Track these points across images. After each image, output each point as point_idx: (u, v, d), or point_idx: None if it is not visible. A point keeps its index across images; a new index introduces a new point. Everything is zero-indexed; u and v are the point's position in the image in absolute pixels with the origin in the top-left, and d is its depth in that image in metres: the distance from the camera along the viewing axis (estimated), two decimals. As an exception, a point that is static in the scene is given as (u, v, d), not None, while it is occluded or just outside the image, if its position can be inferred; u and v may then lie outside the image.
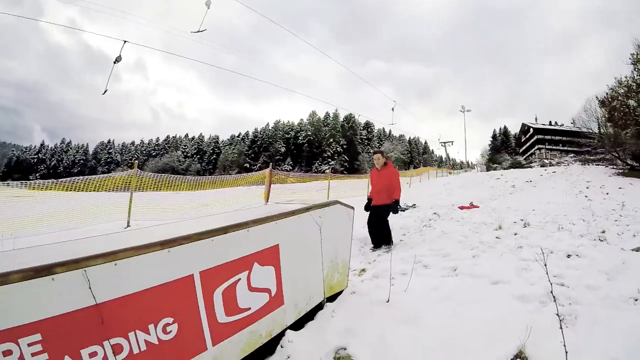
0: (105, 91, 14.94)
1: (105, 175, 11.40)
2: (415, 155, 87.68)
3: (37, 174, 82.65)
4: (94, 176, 11.19)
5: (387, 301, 3.44)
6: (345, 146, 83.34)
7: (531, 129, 67.05)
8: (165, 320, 1.92)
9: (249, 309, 2.42)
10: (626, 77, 22.74)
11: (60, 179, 11.30)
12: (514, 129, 78.99)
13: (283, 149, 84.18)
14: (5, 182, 14.78)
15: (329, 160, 78.91)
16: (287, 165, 79.34)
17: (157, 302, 1.91)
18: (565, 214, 8.95)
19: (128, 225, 9.15)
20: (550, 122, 68.00)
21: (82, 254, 1.66)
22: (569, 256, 4.71)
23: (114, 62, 14.33)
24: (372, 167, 6.56)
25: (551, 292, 2.65)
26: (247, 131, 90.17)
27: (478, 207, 11.59)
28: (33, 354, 1.49)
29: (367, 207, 6.39)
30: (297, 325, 2.92)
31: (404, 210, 11.24)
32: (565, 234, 6.36)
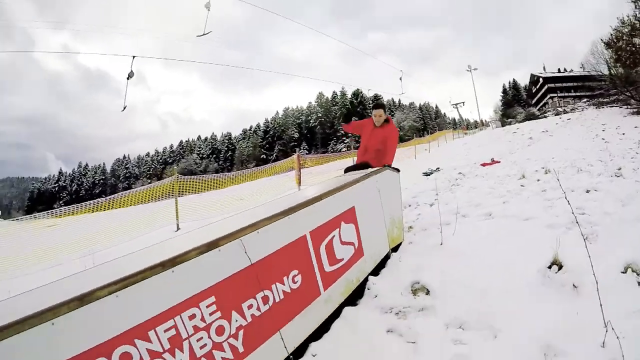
0: (124, 108, 15.58)
1: (150, 185, 12.21)
2: (428, 121, 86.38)
3: (60, 202, 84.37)
4: (139, 188, 11.99)
5: (441, 244, 4.18)
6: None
7: (541, 79, 66.05)
8: (293, 272, 2.61)
9: (343, 259, 3.13)
10: (628, 17, 22.73)
11: (107, 197, 12.09)
12: (524, 81, 77.19)
13: (296, 135, 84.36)
14: (45, 211, 15.59)
15: (344, 138, 78.75)
16: (304, 149, 78.73)
17: (286, 259, 2.60)
18: (584, 158, 9.50)
19: (178, 229, 9.69)
20: (559, 69, 66.56)
21: (170, 254, 2.00)
22: (588, 191, 5.45)
23: (127, 78, 14.95)
24: (368, 122, 5.08)
25: (574, 218, 3.32)
26: (258, 123, 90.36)
27: (499, 162, 12.13)
28: (210, 314, 2.02)
29: (348, 170, 5.21)
30: (374, 272, 3.62)
31: (429, 175, 11.90)
32: (584, 175, 7.02)
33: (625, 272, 2.78)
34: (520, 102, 72.89)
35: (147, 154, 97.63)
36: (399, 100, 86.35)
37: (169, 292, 1.87)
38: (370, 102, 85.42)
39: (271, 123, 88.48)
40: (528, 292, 2.88)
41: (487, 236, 4.31)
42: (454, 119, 79.98)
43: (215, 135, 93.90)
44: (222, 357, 2.01)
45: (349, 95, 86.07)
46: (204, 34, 14.34)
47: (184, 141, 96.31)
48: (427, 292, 3.18)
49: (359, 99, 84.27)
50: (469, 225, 4.95)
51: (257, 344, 2.22)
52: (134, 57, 14.66)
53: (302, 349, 2.55)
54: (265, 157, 79.24)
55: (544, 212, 4.81)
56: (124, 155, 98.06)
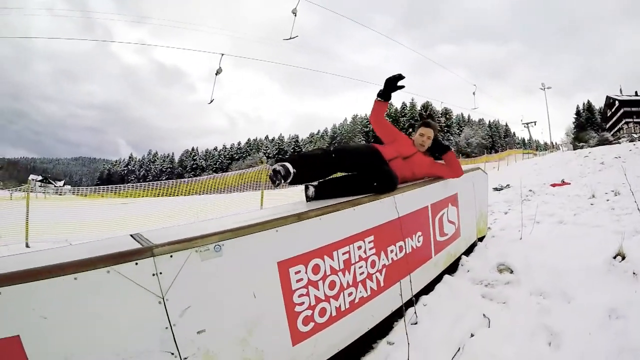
0: (211, 101, 16.67)
1: (240, 171, 13.29)
2: (497, 139, 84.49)
3: (128, 185, 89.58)
4: (228, 173, 13.11)
5: (520, 239, 4.69)
6: None
7: (617, 102, 62.40)
8: (418, 233, 3.21)
9: (447, 234, 3.70)
10: None
11: (195, 178, 13.27)
12: (599, 103, 73.45)
13: (362, 142, 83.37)
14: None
15: None
16: None
17: (416, 221, 3.21)
18: (658, 184, 9.51)
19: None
20: (636, 92, 62.65)
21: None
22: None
23: (216, 74, 16.01)
24: (405, 139, 3.67)
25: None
26: (326, 128, 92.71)
27: (569, 183, 12.12)
28: (369, 249, 2.63)
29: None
30: (465, 253, 4.16)
31: (500, 190, 12.19)
32: (655, 197, 7.21)
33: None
34: (593, 126, 69.37)
35: (215, 149, 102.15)
36: (469, 116, 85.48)
37: (350, 224, 2.51)
38: (440, 115, 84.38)
39: (339, 129, 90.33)
40: (595, 274, 3.31)
41: (560, 235, 4.83)
42: (524, 139, 77.45)
43: (283, 137, 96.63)
44: (370, 286, 2.63)
45: (418, 107, 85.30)
46: (290, 38, 14.90)
47: (251, 139, 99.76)
48: (511, 272, 3.67)
49: (427, 112, 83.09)
50: (543, 228, 5.42)
51: (392, 283, 2.82)
52: (222, 54, 15.69)
53: (417, 296, 3.15)
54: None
55: (612, 223, 5.18)
56: (193, 148, 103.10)
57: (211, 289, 1.78)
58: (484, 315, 2.95)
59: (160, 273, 1.61)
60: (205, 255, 1.74)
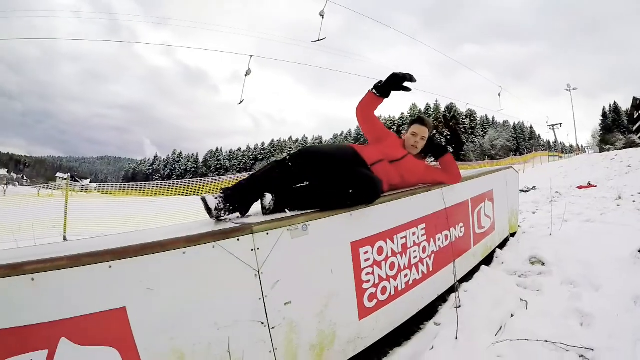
0: (241, 101, 16.99)
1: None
2: (522, 142, 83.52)
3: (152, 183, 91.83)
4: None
5: (550, 235, 4.91)
6: (449, 137, 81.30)
7: (644, 103, 61.22)
8: (460, 224, 3.44)
9: (484, 227, 3.91)
10: None
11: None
12: (626, 105, 71.28)
13: None
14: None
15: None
16: None
17: (459, 212, 3.44)
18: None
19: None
20: (665, 92, 61.35)
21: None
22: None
23: (245, 75, 16.28)
24: (394, 139, 3.20)
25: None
26: (350, 129, 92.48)
27: (596, 186, 12.18)
28: (422, 235, 2.86)
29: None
30: (499, 247, 4.39)
31: (526, 192, 12.30)
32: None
33: None
34: (620, 128, 67.86)
35: (239, 149, 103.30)
36: (493, 117, 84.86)
37: (407, 211, 2.76)
38: (464, 117, 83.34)
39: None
40: (622, 266, 3.51)
41: (588, 232, 5.03)
42: (549, 142, 75.84)
43: (307, 138, 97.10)
44: (421, 270, 2.87)
45: (442, 108, 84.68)
46: (318, 40, 14.96)
47: (275, 140, 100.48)
48: (543, 264, 3.89)
49: (452, 113, 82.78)
50: (572, 226, 5.62)
51: (439, 268, 3.07)
52: (251, 56, 15.98)
53: (459, 283, 3.41)
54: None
55: (638, 223, 5.40)
56: (217, 148, 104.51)
57: (298, 264, 2.04)
58: (520, 299, 3.17)
59: (258, 249, 1.87)
60: (295, 234, 2.01)
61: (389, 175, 2.86)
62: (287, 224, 2.00)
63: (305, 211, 2.25)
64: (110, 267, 1.52)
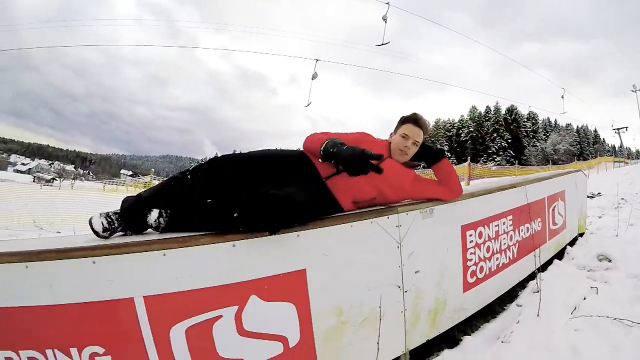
0: (308, 104, 17.36)
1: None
2: (585, 146, 79.82)
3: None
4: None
5: (616, 236, 5.20)
6: (509, 140, 78.33)
7: None
8: (539, 218, 3.83)
9: (557, 224, 4.27)
10: None
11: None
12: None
13: (446, 148, 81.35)
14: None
15: (494, 156, 74.57)
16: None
17: (537, 209, 3.83)
18: None
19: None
20: None
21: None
22: None
23: (312, 79, 16.62)
24: (378, 145, 2.58)
25: None
26: None
27: (663, 193, 12.07)
28: (509, 225, 3.29)
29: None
30: (569, 244, 4.73)
31: (592, 197, 12.34)
32: None
33: None
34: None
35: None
36: (555, 120, 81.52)
37: (499, 203, 3.21)
38: (525, 119, 79.25)
39: None
40: None
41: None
42: (614, 146, 72.32)
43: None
44: (508, 256, 3.31)
45: (502, 111, 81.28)
46: (382, 44, 15.21)
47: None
48: (609, 260, 4.19)
49: (513, 116, 79.46)
50: (638, 228, 5.83)
51: (521, 256, 3.49)
52: (317, 60, 16.44)
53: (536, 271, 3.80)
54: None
55: None
56: (275, 148, 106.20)
57: (425, 240, 2.53)
58: (591, 287, 3.54)
59: (400, 225, 2.37)
60: (425, 215, 2.51)
61: (356, 188, 2.31)
62: (419, 207, 2.51)
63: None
64: (298, 236, 1.98)
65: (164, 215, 2.04)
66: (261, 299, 1.89)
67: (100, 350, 1.74)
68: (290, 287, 1.98)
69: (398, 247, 2.37)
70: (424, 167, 2.84)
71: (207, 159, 2.29)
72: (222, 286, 1.82)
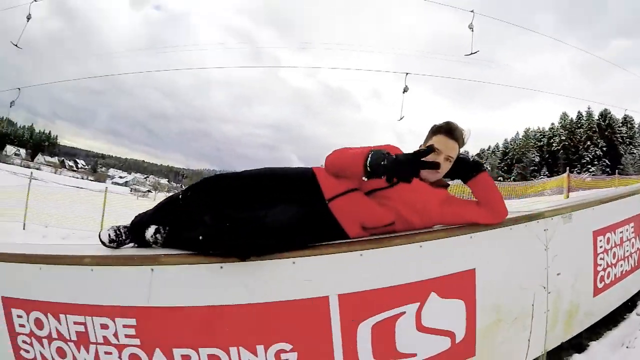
0: (401, 117, 17.45)
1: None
2: None
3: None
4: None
5: None
6: (604, 148, 70.55)
7: None
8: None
9: None
10: None
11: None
12: None
13: (537, 159, 77.09)
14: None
15: (589, 166, 67.55)
16: (543, 175, 63.51)
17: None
18: None
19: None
20: None
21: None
22: None
23: (403, 92, 16.92)
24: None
25: None
26: (497, 143, 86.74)
27: None
28: (631, 232, 3.21)
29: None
30: None
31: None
32: None
33: None
34: None
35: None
36: None
37: (621, 211, 3.22)
38: (620, 124, 71.98)
39: (510, 144, 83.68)
40: None
41: None
42: None
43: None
44: (630, 263, 3.30)
45: (595, 116, 73.92)
46: (471, 53, 15.18)
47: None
48: None
49: (606, 121, 72.26)
50: None
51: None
52: (407, 74, 16.69)
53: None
54: (502, 179, 62.46)
55: None
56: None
57: (565, 244, 2.61)
58: None
59: (547, 230, 2.49)
60: (565, 220, 2.62)
61: (366, 212, 2.08)
62: (561, 212, 2.64)
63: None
64: (471, 237, 2.19)
65: (162, 231, 2.08)
66: (439, 296, 2.07)
67: (288, 347, 1.93)
68: (462, 285, 2.15)
69: (545, 249, 2.49)
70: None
71: (200, 180, 2.31)
72: (408, 284, 2.02)
